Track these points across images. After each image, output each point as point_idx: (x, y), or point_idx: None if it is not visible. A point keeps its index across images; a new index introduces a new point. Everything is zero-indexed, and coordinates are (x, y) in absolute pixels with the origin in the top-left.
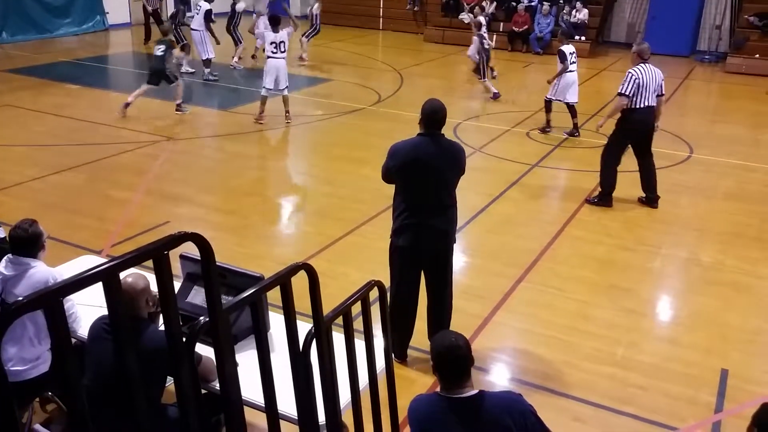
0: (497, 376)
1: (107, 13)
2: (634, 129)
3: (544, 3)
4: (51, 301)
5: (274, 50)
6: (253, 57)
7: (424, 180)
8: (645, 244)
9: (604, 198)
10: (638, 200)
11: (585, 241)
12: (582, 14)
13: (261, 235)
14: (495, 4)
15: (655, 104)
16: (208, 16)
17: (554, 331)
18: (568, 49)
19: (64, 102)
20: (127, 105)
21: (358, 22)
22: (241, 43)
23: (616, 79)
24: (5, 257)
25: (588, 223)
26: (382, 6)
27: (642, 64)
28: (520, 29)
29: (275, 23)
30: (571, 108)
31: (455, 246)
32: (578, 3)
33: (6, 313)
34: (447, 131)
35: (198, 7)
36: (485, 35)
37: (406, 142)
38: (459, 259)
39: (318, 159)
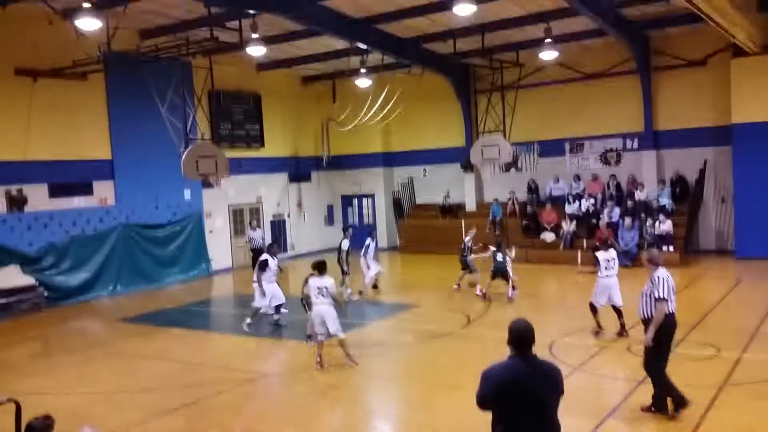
0: None
1: (212, 260)
2: (670, 333)
3: (626, 218)
4: None
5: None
6: (360, 293)
7: (522, 405)
8: None
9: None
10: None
11: None
12: (666, 225)
13: None
14: (575, 222)
15: None
16: (262, 266)
17: None
18: (602, 255)
19: (169, 346)
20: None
21: (443, 248)
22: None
23: (709, 288)
24: None
25: None
26: (463, 232)
27: (662, 268)
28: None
29: (321, 269)
30: (617, 310)
31: None
32: (661, 215)
33: None
34: (542, 350)
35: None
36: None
37: (497, 365)
38: None
39: (411, 386)
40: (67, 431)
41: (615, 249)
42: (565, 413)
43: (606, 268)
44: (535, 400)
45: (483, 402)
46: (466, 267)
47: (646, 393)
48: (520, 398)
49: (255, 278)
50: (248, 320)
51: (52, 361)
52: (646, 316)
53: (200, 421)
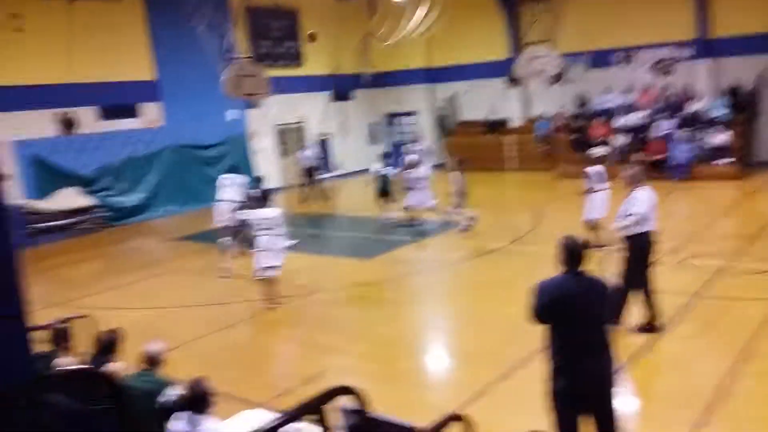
0: None
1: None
2: (645, 251)
3: (680, 130)
4: None
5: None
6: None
7: (572, 319)
8: None
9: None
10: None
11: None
12: (721, 137)
13: (413, 382)
14: (626, 136)
15: None
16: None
17: None
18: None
19: (239, 265)
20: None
21: (489, 165)
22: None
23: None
24: (177, 414)
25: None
26: (510, 148)
27: (643, 188)
28: (656, 158)
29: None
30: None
31: (624, 391)
32: (716, 127)
33: None
34: (590, 265)
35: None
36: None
37: (550, 280)
38: (625, 405)
39: (462, 301)
40: (134, 344)
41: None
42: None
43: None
44: (587, 314)
45: (537, 314)
46: None
47: (701, 307)
48: (572, 312)
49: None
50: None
51: (115, 279)
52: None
53: (261, 334)
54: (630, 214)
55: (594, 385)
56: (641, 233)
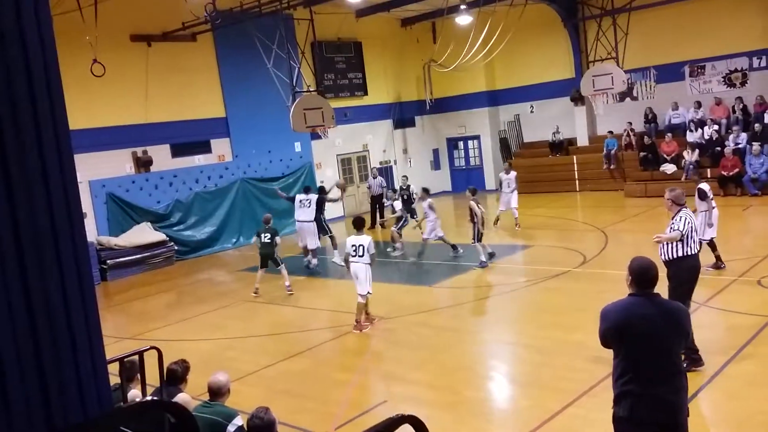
0: None
1: (325, 209)
2: (692, 275)
3: (754, 144)
4: None
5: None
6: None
7: (642, 344)
8: None
9: None
10: None
11: None
12: None
13: (476, 411)
14: (698, 151)
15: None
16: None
17: None
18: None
19: (304, 295)
20: (257, 291)
21: (555, 186)
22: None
23: None
24: None
25: None
26: (576, 168)
27: (685, 208)
28: (731, 173)
29: (358, 226)
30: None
31: (699, 415)
32: None
33: None
34: (664, 287)
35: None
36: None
37: (617, 303)
38: (702, 429)
39: (526, 327)
40: (202, 375)
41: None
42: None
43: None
44: (655, 340)
45: (604, 339)
46: None
47: None
48: (639, 337)
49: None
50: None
51: (185, 311)
52: (667, 258)
53: (325, 364)
54: (676, 229)
55: (662, 414)
56: (689, 256)
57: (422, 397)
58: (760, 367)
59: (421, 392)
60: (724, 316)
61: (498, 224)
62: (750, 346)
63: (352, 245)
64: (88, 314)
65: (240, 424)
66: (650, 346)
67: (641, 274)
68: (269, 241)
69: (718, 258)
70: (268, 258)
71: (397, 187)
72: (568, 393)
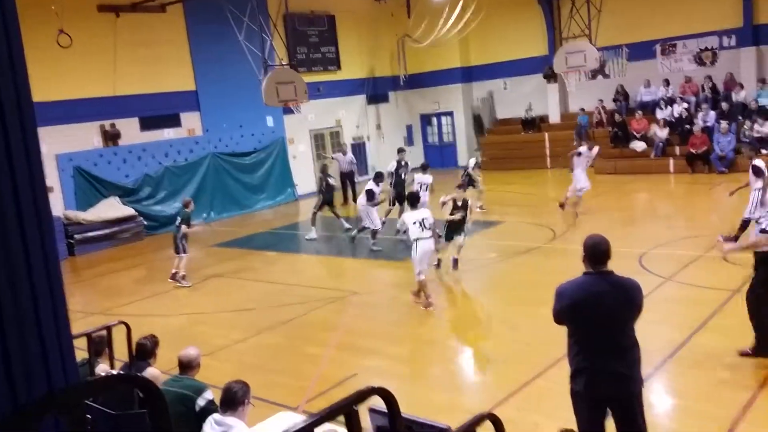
0: None
1: (297, 185)
2: None
3: (722, 122)
4: None
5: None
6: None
7: (594, 321)
8: None
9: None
10: None
11: None
12: (765, 127)
13: (446, 383)
14: (668, 129)
15: None
16: (369, 196)
17: None
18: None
19: (261, 268)
20: (174, 275)
21: (527, 163)
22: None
23: None
24: (210, 418)
25: None
26: (548, 145)
27: None
28: (699, 150)
29: (414, 202)
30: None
31: (658, 387)
32: (759, 118)
33: None
34: (631, 261)
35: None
36: None
37: (571, 282)
38: (662, 401)
39: (496, 302)
40: (172, 350)
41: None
42: (655, 325)
43: None
44: (608, 317)
45: (557, 317)
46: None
47: (740, 301)
48: (592, 314)
49: (362, 204)
50: (372, 242)
51: (155, 286)
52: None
53: (296, 338)
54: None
55: (615, 387)
56: None
57: (393, 370)
58: (722, 338)
59: (392, 366)
60: (690, 290)
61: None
62: (714, 319)
63: (415, 222)
64: (54, 289)
65: (210, 397)
66: (603, 323)
67: (593, 251)
68: (177, 224)
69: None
70: (175, 241)
71: (389, 167)
72: (536, 366)
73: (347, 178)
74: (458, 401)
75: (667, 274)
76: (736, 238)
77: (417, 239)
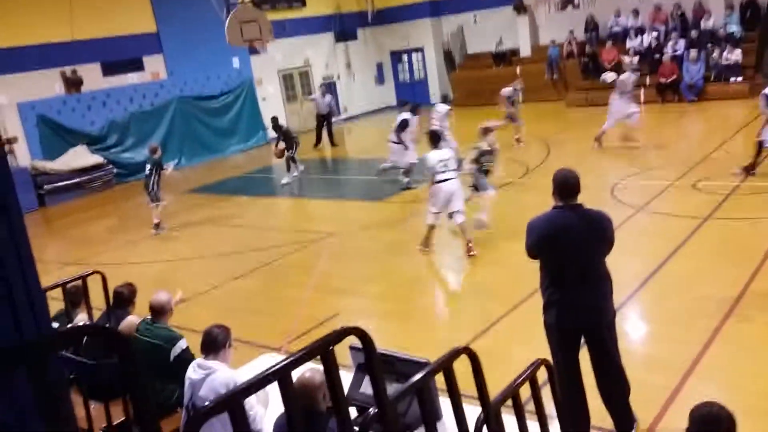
0: None
1: (268, 128)
2: None
3: (691, 50)
4: (232, 404)
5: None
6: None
7: (564, 254)
8: None
9: None
10: None
11: None
12: (734, 55)
13: (425, 319)
14: (637, 57)
15: None
16: (402, 126)
17: (760, 399)
18: None
19: (235, 213)
20: (157, 225)
21: (497, 98)
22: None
23: None
24: (193, 362)
25: None
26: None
27: None
28: (669, 79)
29: (435, 141)
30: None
31: (631, 315)
32: (729, 44)
33: (195, 417)
34: (603, 193)
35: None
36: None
37: (541, 216)
38: (635, 328)
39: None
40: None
41: None
42: (627, 255)
43: None
44: (578, 249)
45: (530, 252)
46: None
47: (710, 228)
48: (562, 247)
49: (395, 138)
50: (406, 179)
51: (128, 234)
52: None
53: (275, 281)
54: None
55: (586, 318)
56: None
57: (373, 308)
58: (692, 265)
59: (372, 304)
60: (661, 219)
61: None
62: (684, 247)
63: (440, 160)
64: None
65: (184, 346)
66: (574, 255)
67: (563, 185)
68: (148, 172)
69: (753, 165)
70: (147, 189)
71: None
72: (512, 299)
73: (325, 119)
74: (438, 336)
75: (638, 204)
76: (753, 166)
77: (442, 180)
